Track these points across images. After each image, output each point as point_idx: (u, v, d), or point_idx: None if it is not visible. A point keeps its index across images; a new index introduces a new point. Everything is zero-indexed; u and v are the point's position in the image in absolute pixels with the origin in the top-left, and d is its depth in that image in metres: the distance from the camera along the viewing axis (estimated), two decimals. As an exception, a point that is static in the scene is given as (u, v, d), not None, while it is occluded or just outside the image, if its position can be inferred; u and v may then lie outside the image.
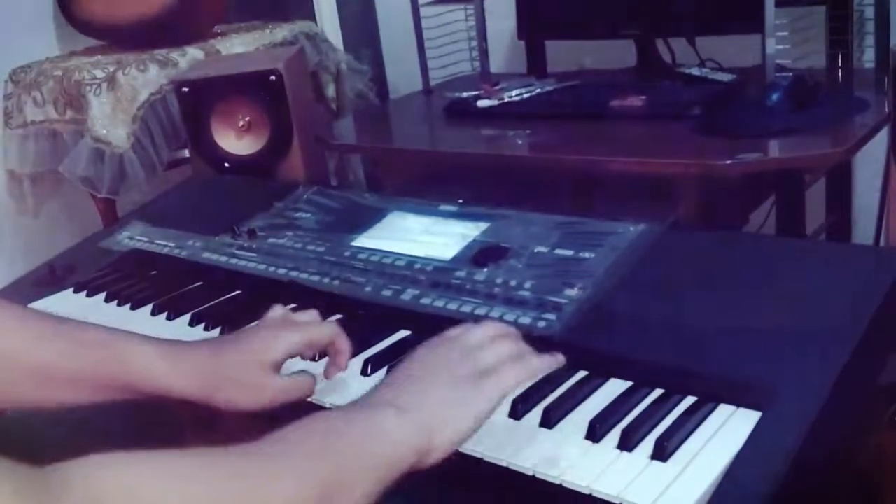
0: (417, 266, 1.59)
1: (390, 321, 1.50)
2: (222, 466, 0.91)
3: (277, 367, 1.29)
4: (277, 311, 1.38)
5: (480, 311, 1.43)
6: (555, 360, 1.20)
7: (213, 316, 1.62)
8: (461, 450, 1.12)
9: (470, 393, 1.09)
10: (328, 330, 1.34)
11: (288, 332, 1.32)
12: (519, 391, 1.23)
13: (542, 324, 1.37)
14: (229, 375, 1.26)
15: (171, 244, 1.90)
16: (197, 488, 0.87)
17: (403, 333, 1.48)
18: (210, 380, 1.26)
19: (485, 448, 1.17)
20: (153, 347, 1.29)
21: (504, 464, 1.14)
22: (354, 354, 1.36)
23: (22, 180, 2.96)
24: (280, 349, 1.29)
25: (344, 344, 1.34)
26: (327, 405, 1.31)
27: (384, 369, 1.37)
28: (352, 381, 1.36)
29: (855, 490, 1.33)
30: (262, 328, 1.34)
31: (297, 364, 1.35)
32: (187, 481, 0.87)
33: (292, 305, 1.44)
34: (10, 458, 0.77)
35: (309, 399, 1.31)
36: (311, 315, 1.38)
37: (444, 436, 1.05)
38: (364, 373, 1.38)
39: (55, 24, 3.21)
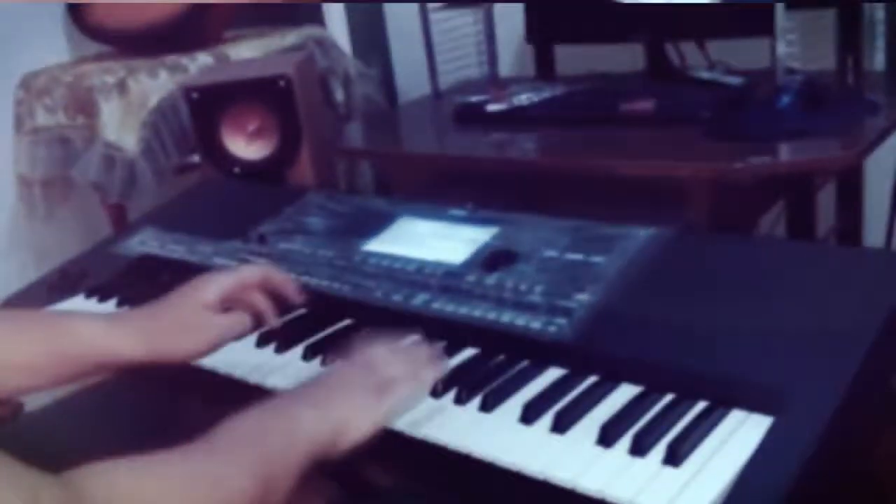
0: (427, 271, 1.59)
1: (401, 326, 1.50)
2: (192, 464, 1.05)
3: (215, 308, 1.39)
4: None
5: (490, 316, 1.43)
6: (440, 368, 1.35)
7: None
8: (474, 454, 1.16)
9: (370, 402, 1.24)
10: (258, 269, 1.48)
11: (219, 274, 1.43)
12: (526, 399, 1.27)
13: (552, 328, 1.37)
14: (170, 323, 1.36)
15: (182, 249, 1.90)
16: (176, 485, 1.02)
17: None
18: (153, 335, 1.35)
19: (495, 452, 1.17)
20: (97, 318, 1.40)
21: (515, 468, 1.14)
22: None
23: (33, 185, 2.96)
24: (212, 288, 1.39)
25: (279, 276, 1.48)
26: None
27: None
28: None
29: (866, 494, 1.32)
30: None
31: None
32: (171, 480, 1.01)
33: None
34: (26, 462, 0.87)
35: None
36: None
37: (348, 434, 1.19)
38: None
39: (66, 31, 3.22)
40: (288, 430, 1.15)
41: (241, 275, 1.44)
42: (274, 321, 1.46)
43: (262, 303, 1.45)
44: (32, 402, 1.70)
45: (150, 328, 1.35)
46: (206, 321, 1.37)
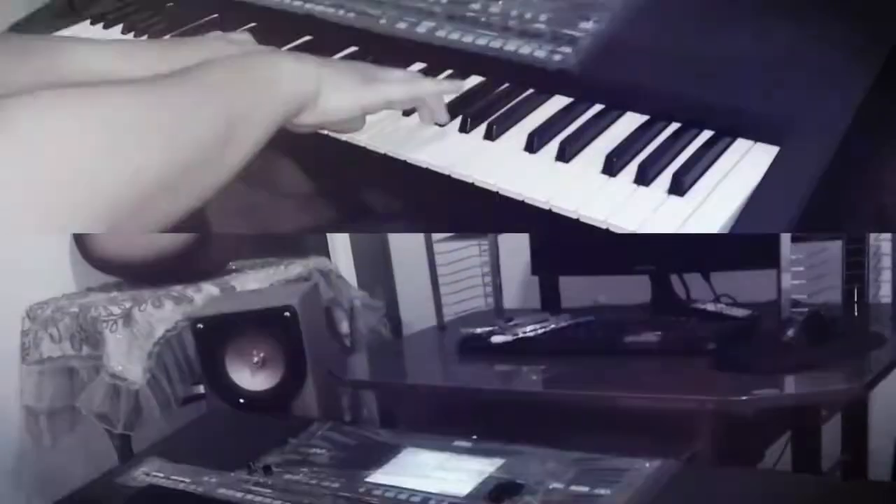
0: (432, 502, 1.58)
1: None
2: (157, 91, 1.02)
3: None
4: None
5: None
6: (453, 85, 1.46)
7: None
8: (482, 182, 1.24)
9: (362, 86, 1.31)
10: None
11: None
12: (531, 126, 1.32)
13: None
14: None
15: (187, 480, 1.89)
16: (124, 114, 0.96)
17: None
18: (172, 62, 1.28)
19: (498, 180, 1.17)
20: (106, 44, 1.41)
21: (519, 198, 1.13)
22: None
23: (38, 416, 2.95)
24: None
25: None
26: None
27: None
28: None
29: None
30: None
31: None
32: (116, 111, 0.96)
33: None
34: None
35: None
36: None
37: (327, 101, 1.23)
38: None
39: (71, 261, 3.25)
40: (266, 79, 1.16)
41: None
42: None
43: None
44: None
45: (166, 54, 1.35)
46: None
